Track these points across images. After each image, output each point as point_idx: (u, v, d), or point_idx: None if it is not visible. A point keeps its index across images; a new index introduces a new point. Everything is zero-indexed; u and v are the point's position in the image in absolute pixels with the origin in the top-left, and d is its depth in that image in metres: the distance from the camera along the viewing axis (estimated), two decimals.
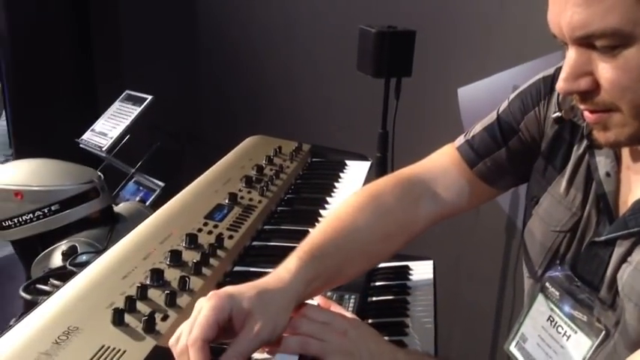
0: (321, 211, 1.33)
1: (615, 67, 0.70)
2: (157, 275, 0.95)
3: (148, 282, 0.94)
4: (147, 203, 2.62)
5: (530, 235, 1.00)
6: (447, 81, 2.08)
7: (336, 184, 1.50)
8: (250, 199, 1.31)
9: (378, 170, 1.86)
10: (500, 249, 2.18)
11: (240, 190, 1.34)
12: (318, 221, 1.28)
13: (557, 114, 0.90)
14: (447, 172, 1.02)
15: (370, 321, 1.42)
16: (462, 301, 2.18)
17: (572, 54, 0.73)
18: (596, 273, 0.87)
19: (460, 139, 1.05)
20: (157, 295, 0.92)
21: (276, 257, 1.12)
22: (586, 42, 0.71)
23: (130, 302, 0.87)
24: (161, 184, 2.81)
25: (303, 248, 0.85)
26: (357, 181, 1.54)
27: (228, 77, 2.99)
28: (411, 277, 1.63)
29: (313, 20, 2.63)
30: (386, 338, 1.39)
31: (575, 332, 0.92)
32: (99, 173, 1.64)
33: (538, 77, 0.99)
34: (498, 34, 2.04)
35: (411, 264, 1.68)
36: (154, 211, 1.50)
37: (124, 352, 0.79)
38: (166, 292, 0.91)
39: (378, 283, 1.56)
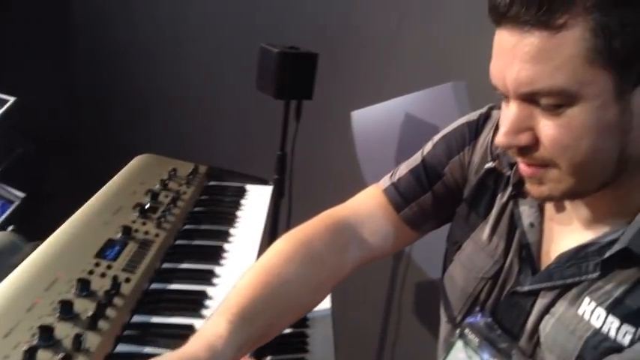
0: (225, 246, 1.25)
1: (558, 125, 0.70)
2: (46, 334, 0.82)
3: (35, 342, 0.81)
4: (3, 216, 2.34)
5: (451, 281, 0.99)
6: (345, 104, 2.07)
7: (237, 212, 1.42)
8: (146, 233, 1.19)
9: (275, 192, 1.80)
10: (387, 273, 2.20)
11: (133, 222, 1.22)
12: (222, 258, 1.20)
13: (491, 164, 0.90)
14: (374, 216, 0.99)
15: (269, 358, 1.37)
16: (350, 326, 2.17)
17: (514, 109, 0.72)
18: (516, 322, 0.87)
19: (386, 181, 1.02)
20: (47, 357, 0.79)
21: (179, 303, 1.03)
22: (530, 98, 0.70)
23: None
24: (21, 194, 2.53)
25: (231, 310, 0.76)
26: (259, 209, 1.47)
27: (110, 83, 2.77)
28: None
29: (212, 32, 2.50)
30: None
31: None
32: None
33: (462, 122, 0.99)
34: (394, 61, 2.07)
35: None
36: (30, 240, 1.34)
37: None
38: (60, 354, 0.79)
39: None
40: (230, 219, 1.38)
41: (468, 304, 0.96)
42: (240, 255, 1.22)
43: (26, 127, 2.72)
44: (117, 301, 0.96)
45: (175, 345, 0.90)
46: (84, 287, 0.95)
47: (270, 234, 1.81)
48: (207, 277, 1.12)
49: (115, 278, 1.00)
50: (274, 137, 1.89)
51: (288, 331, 1.45)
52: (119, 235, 1.14)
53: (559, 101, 0.68)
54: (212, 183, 1.59)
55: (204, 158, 1.67)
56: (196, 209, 1.42)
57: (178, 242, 1.26)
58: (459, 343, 0.96)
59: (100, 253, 1.08)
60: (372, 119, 2.16)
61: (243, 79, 1.95)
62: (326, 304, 1.58)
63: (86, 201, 1.27)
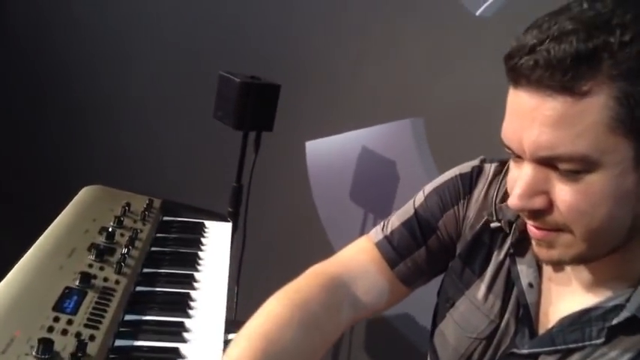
0: (192, 293, 1.17)
1: (575, 191, 0.68)
2: None
3: None
4: None
5: (442, 338, 0.95)
6: (303, 136, 2.03)
7: (200, 253, 1.34)
8: (105, 279, 1.10)
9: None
10: None
11: (90, 266, 1.12)
12: (190, 307, 1.12)
13: (497, 224, 0.88)
14: (368, 273, 0.94)
15: None
16: None
17: (529, 171, 0.70)
18: None
19: (377, 234, 0.97)
20: None
21: None
22: (548, 162, 0.68)
23: None
24: None
25: None
26: (222, 248, 1.39)
27: (44, 103, 2.58)
28: None
29: (166, 56, 2.38)
30: None
31: None
32: None
33: (454, 174, 0.96)
34: (353, 95, 2.05)
35: None
36: None
37: None
38: None
39: None
40: (193, 261, 1.30)
41: None
42: (209, 305, 1.15)
43: None
44: None
45: None
46: (46, 349, 0.84)
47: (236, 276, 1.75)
48: (177, 331, 1.04)
49: (78, 335, 0.91)
50: (229, 168, 1.81)
51: None
52: (77, 283, 1.04)
53: (579, 167, 0.67)
54: (167, 218, 1.50)
55: (150, 189, 1.58)
56: (154, 249, 1.33)
57: (139, 289, 1.16)
58: None
59: (58, 305, 0.97)
60: (327, 150, 2.13)
61: (195, 106, 1.87)
62: None
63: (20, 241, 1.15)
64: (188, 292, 1.17)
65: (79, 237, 1.22)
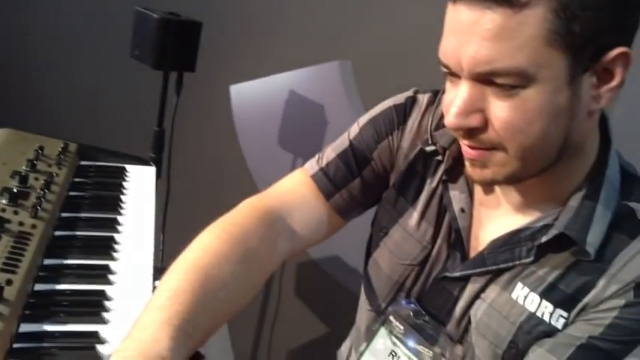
0: (116, 236, 1.11)
1: (511, 107, 0.68)
2: None
3: None
4: None
5: (376, 267, 0.96)
6: (226, 78, 1.96)
7: (122, 197, 1.27)
8: (21, 223, 1.02)
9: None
10: None
11: (3, 211, 1.04)
12: (114, 250, 1.06)
13: (432, 147, 0.88)
14: (304, 205, 0.92)
15: None
16: None
17: (466, 89, 0.70)
18: (443, 308, 0.87)
19: (313, 166, 0.95)
20: None
21: (75, 306, 0.90)
22: (485, 78, 0.68)
23: None
24: None
25: (172, 321, 0.65)
26: (147, 193, 1.33)
27: None
28: None
29: None
30: None
31: None
32: None
33: (388, 105, 0.95)
34: (279, 36, 1.99)
35: None
36: None
37: None
38: None
39: None
40: (114, 205, 1.23)
41: (393, 291, 0.94)
42: (135, 247, 1.09)
43: None
44: (1, 308, 0.80)
45: (80, 357, 0.79)
46: None
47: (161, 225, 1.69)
48: (102, 274, 0.98)
49: None
50: (149, 112, 1.73)
51: None
52: None
53: (515, 82, 0.67)
54: (85, 163, 1.41)
55: (65, 134, 1.48)
56: (72, 194, 1.25)
57: (58, 233, 1.09)
58: (383, 331, 0.95)
59: None
60: (253, 94, 2.07)
61: (111, 45, 1.75)
62: None
63: None
64: (112, 236, 1.11)
65: None
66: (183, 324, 0.66)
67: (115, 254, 1.05)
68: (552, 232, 0.76)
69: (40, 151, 1.29)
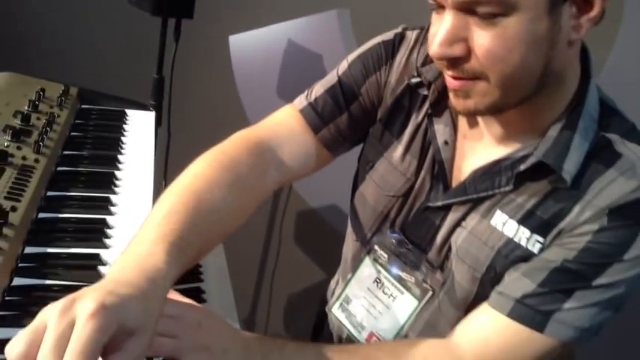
0: (117, 173, 1.14)
1: (492, 36, 0.70)
2: None
3: None
4: None
5: (362, 199, 0.99)
6: (225, 28, 1.96)
7: (123, 138, 1.30)
8: (24, 158, 1.06)
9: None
10: (268, 201, 2.19)
11: (7, 146, 1.07)
12: (116, 185, 1.10)
13: (418, 79, 0.90)
14: (293, 138, 0.95)
15: None
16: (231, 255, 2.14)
17: (449, 19, 0.72)
18: (425, 236, 0.91)
19: (302, 101, 0.98)
20: None
21: (74, 232, 0.94)
22: (468, 7, 0.70)
23: None
24: None
25: (167, 238, 0.69)
26: (146, 135, 1.36)
27: None
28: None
29: None
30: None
31: (402, 293, 0.96)
32: None
33: (377, 41, 0.97)
34: None
35: None
36: None
37: None
38: None
39: None
40: (115, 144, 1.26)
41: (378, 222, 0.97)
42: (135, 182, 1.13)
43: None
44: (7, 231, 0.84)
45: (81, 276, 0.83)
46: None
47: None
48: (103, 205, 1.02)
49: (0, 207, 0.88)
50: (149, 59, 1.74)
51: None
52: None
53: (497, 10, 0.68)
54: (86, 106, 1.44)
55: (70, 80, 1.50)
56: (74, 134, 1.28)
57: (61, 169, 1.13)
58: (368, 260, 1.00)
59: None
60: (252, 45, 2.08)
61: None
62: None
63: None
64: (113, 172, 1.14)
65: None
66: (178, 241, 0.69)
67: (116, 189, 1.09)
68: (531, 161, 0.79)
69: (41, 93, 1.31)
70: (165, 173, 1.80)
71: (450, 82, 0.77)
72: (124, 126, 1.37)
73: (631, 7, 1.29)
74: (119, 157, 1.21)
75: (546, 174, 0.79)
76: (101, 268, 0.86)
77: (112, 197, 1.05)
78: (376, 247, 0.97)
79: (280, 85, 2.03)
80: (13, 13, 2.37)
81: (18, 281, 0.80)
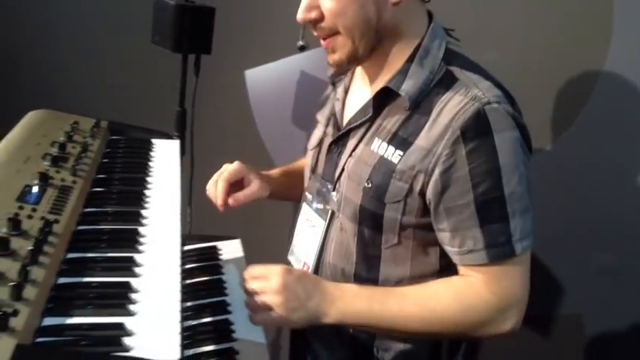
0: (146, 192, 1.25)
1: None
2: None
3: None
4: None
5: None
6: (241, 62, 2.09)
7: (150, 163, 1.41)
8: (62, 180, 1.16)
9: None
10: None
11: (47, 170, 1.18)
12: (146, 202, 1.20)
13: (301, 43, 1.25)
14: None
15: (190, 303, 1.39)
16: None
17: None
18: (332, 172, 1.16)
19: None
20: None
21: (113, 241, 1.03)
22: None
23: None
24: None
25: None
26: (171, 159, 1.47)
27: None
28: (221, 256, 1.63)
29: None
30: (209, 319, 1.39)
31: (319, 221, 1.20)
32: None
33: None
34: (288, 18, 2.11)
35: (218, 244, 1.67)
36: None
37: None
38: (10, 284, 0.77)
39: (189, 266, 1.53)
40: (144, 167, 1.37)
41: (308, 175, 1.27)
42: (162, 200, 1.23)
43: None
44: (52, 239, 0.94)
45: (115, 275, 0.92)
46: (16, 226, 0.92)
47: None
48: (134, 218, 1.12)
49: (44, 218, 0.98)
50: (172, 93, 1.87)
51: (205, 278, 1.49)
52: (36, 182, 1.10)
53: None
54: (115, 137, 1.56)
55: (99, 116, 1.62)
56: (105, 160, 1.39)
57: (95, 189, 1.23)
58: (303, 205, 1.27)
59: (21, 198, 1.04)
60: (266, 78, 2.21)
61: (135, 33, 1.89)
62: (238, 252, 1.64)
63: None
64: (142, 190, 1.25)
65: (32, 148, 1.27)
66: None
67: (145, 204, 1.19)
68: (378, 88, 1.06)
69: (75, 126, 1.44)
70: (189, 198, 1.91)
71: (322, 44, 1.06)
72: (151, 153, 1.49)
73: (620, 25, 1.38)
74: (147, 178, 1.32)
75: (396, 98, 1.05)
76: (135, 269, 0.96)
77: (142, 211, 1.15)
78: (306, 192, 1.26)
79: (295, 114, 2.15)
80: (45, 55, 2.53)
81: (62, 280, 0.90)
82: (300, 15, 1.03)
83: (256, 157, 2.17)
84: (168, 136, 1.66)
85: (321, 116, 1.28)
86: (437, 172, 0.99)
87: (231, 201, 1.22)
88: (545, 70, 1.48)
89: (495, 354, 1.43)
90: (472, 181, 0.97)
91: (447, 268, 1.06)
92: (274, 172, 1.40)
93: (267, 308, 1.02)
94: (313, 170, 1.24)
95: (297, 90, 2.15)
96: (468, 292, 1.02)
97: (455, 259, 1.03)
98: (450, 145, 0.97)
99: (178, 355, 0.75)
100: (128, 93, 2.43)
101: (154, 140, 1.58)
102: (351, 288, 1.06)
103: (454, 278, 1.04)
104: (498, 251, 0.99)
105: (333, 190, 1.14)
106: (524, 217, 1.00)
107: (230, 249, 1.65)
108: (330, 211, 1.15)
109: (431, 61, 1.04)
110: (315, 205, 1.21)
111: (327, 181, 1.17)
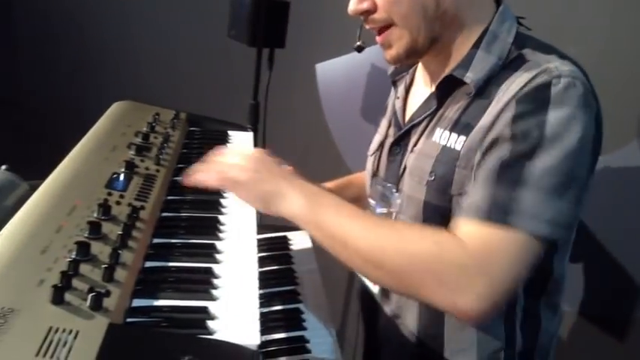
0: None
1: None
2: (83, 249, 0.85)
3: (74, 256, 0.84)
4: None
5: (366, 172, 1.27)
6: (313, 55, 2.12)
7: None
8: (147, 168, 1.22)
9: None
10: None
11: (132, 159, 1.24)
12: (223, 191, 1.24)
13: (358, 43, 1.16)
14: None
15: (261, 291, 1.43)
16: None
17: None
18: (394, 174, 1.11)
19: None
20: (88, 270, 0.82)
21: (195, 228, 1.08)
22: None
23: (66, 278, 0.77)
24: None
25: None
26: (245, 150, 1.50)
27: (52, 29, 2.65)
28: (291, 247, 1.67)
29: None
30: (280, 307, 1.42)
31: None
32: None
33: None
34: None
35: (288, 234, 1.71)
36: (27, 180, 1.34)
37: (77, 332, 0.70)
38: (102, 267, 0.82)
39: (260, 254, 1.56)
40: None
41: (369, 181, 1.22)
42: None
43: None
44: (139, 224, 0.99)
45: (196, 260, 0.96)
46: (106, 212, 0.97)
47: None
48: (213, 206, 1.16)
49: (131, 205, 1.03)
50: (246, 86, 1.92)
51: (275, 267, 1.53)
52: (123, 170, 1.16)
53: None
54: (193, 128, 1.62)
55: (177, 106, 1.68)
56: (184, 151, 1.45)
57: (176, 178, 1.29)
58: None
59: (110, 185, 1.10)
60: (337, 71, 2.22)
61: (214, 27, 1.95)
62: (307, 242, 1.67)
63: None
64: None
65: (118, 138, 1.34)
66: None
67: (224, 193, 1.23)
68: (441, 77, 1.01)
69: (156, 117, 1.50)
70: None
71: (378, 40, 1.02)
72: (227, 144, 1.53)
73: None
74: None
75: (460, 86, 0.99)
76: (217, 256, 0.99)
77: (222, 200, 1.20)
78: (369, 199, 1.22)
79: (364, 108, 2.15)
80: (131, 51, 2.64)
81: (149, 264, 0.95)
82: (352, 6, 0.99)
83: (325, 151, 2.19)
84: (243, 128, 1.70)
85: (384, 119, 1.23)
86: (485, 141, 0.92)
87: None
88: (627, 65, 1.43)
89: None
90: (511, 146, 0.88)
91: None
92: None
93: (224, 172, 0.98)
94: (374, 174, 1.18)
95: (368, 83, 2.15)
96: (448, 240, 0.88)
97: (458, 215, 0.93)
98: (504, 112, 0.90)
99: (258, 340, 0.78)
100: (204, 86, 2.51)
101: (229, 132, 1.62)
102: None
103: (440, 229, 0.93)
104: (494, 214, 0.86)
105: (396, 191, 1.10)
106: (550, 199, 0.86)
107: (299, 240, 1.68)
108: (393, 215, 1.09)
109: (499, 46, 0.97)
110: (379, 209, 1.15)
111: (390, 183, 1.12)
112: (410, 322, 1.10)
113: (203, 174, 0.99)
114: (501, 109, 0.91)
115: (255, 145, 1.90)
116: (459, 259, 0.85)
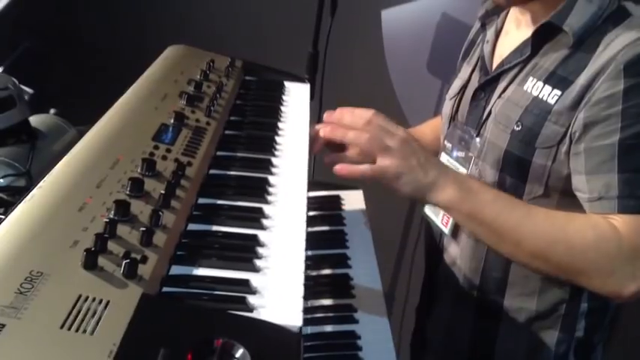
0: (277, 138, 1.22)
1: None
2: (122, 208, 0.80)
3: (112, 216, 0.79)
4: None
5: (442, 115, 1.28)
6: (378, 2, 1.98)
7: (282, 107, 1.38)
8: (197, 120, 1.16)
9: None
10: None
11: (182, 109, 1.18)
12: (275, 149, 1.17)
13: (483, 11, 1.18)
14: None
15: (310, 253, 1.38)
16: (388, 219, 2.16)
17: None
18: (478, 118, 1.12)
19: None
20: (126, 232, 0.77)
21: (242, 188, 1.02)
22: None
23: (101, 241, 0.72)
24: (30, 90, 2.44)
25: None
26: (302, 106, 1.42)
27: None
28: (343, 207, 1.60)
29: None
30: (329, 271, 1.37)
31: (458, 169, 1.15)
32: (13, 79, 1.33)
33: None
34: None
35: (341, 193, 1.64)
36: (75, 126, 1.31)
37: (108, 302, 0.65)
38: (141, 229, 0.77)
39: (311, 213, 1.51)
40: (275, 112, 1.34)
41: (447, 125, 1.23)
42: (292, 147, 1.19)
43: (30, 21, 2.60)
44: (184, 182, 0.93)
45: (242, 225, 0.90)
46: (150, 167, 0.92)
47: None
48: (264, 165, 1.10)
49: (177, 160, 0.98)
50: (306, 34, 1.81)
51: (326, 227, 1.47)
52: (172, 121, 1.11)
53: None
54: (249, 77, 1.54)
55: (234, 54, 1.60)
56: (238, 102, 1.38)
57: (227, 132, 1.22)
58: (442, 156, 1.22)
59: (157, 137, 1.04)
60: (404, 19, 2.09)
61: None
62: (360, 203, 1.60)
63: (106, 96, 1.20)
64: (272, 135, 1.22)
65: (170, 85, 1.28)
66: None
67: (276, 152, 1.16)
68: (540, 23, 1.00)
69: (211, 64, 1.43)
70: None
71: None
72: (283, 96, 1.45)
73: None
74: (278, 124, 1.29)
75: (557, 34, 0.98)
76: (264, 221, 0.93)
77: (273, 159, 1.13)
78: (445, 142, 1.21)
79: (430, 61, 2.02)
80: None
81: (191, 227, 0.90)
82: None
83: (386, 108, 2.08)
84: (301, 79, 1.61)
85: (467, 64, 1.22)
86: (588, 106, 0.92)
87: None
88: None
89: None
90: (622, 122, 0.89)
91: None
92: None
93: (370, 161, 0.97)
94: (453, 118, 1.19)
95: (437, 34, 2.02)
96: (605, 227, 0.90)
97: (585, 206, 0.94)
98: (609, 79, 0.90)
99: (301, 321, 0.72)
100: (261, 32, 2.41)
101: (286, 83, 1.54)
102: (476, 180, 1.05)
103: (592, 214, 0.94)
104: (632, 203, 0.89)
105: (477, 135, 1.09)
106: None
107: (352, 199, 1.62)
108: (472, 160, 1.10)
109: None
110: (456, 153, 1.16)
111: (471, 127, 1.12)
112: (474, 265, 1.13)
113: (356, 168, 0.99)
114: (601, 67, 0.91)
115: (313, 97, 1.81)
116: (616, 250, 0.89)
